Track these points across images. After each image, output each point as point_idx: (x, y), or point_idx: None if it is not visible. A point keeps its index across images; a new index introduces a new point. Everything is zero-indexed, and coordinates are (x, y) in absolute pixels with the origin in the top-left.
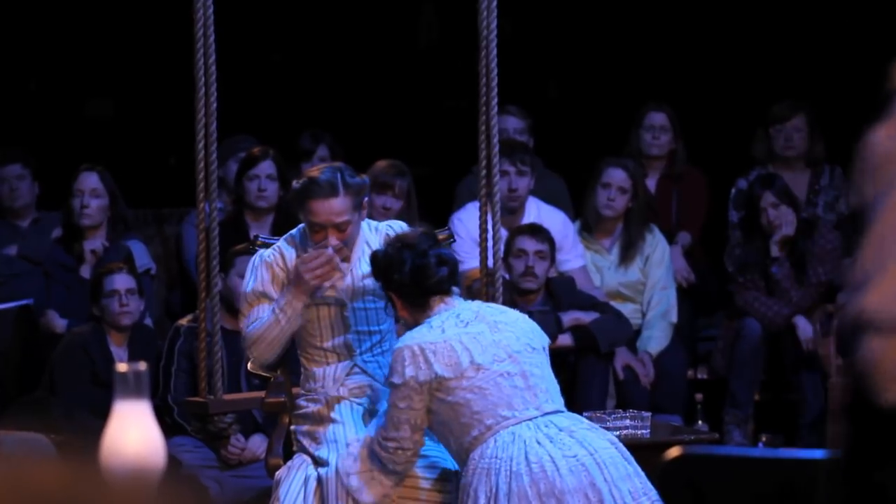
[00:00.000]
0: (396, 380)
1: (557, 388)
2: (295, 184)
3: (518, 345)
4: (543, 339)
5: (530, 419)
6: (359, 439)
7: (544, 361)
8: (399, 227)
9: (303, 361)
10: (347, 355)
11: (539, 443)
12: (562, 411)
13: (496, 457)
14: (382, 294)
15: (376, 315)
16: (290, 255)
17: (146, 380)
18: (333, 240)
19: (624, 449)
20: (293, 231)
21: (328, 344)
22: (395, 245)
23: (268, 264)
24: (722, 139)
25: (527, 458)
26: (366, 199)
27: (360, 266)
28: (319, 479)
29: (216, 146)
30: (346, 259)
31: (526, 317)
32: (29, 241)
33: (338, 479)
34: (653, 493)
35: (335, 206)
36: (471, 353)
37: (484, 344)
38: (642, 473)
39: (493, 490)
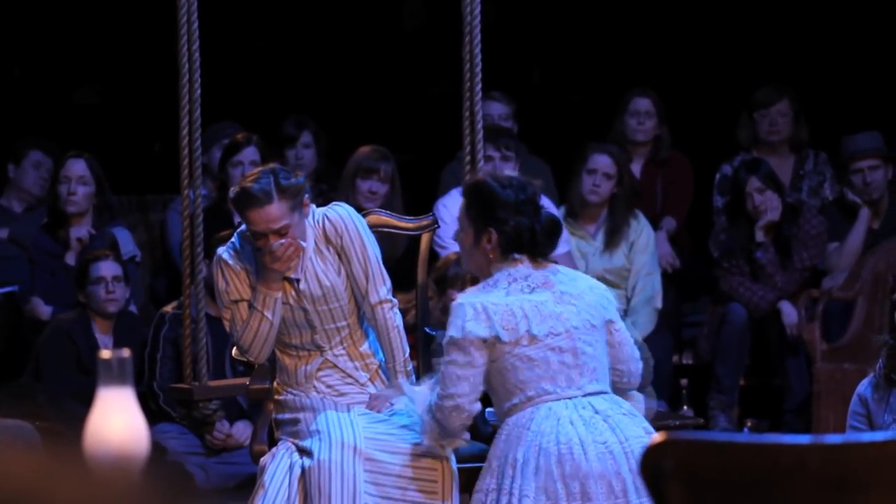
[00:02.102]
0: (455, 333)
1: (607, 367)
2: (231, 193)
3: (578, 320)
4: (606, 313)
5: (570, 398)
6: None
7: (600, 339)
8: (339, 208)
9: (277, 353)
10: (318, 352)
11: (572, 423)
12: (605, 392)
13: (529, 429)
14: (342, 290)
15: (341, 311)
16: (247, 248)
17: (130, 366)
18: (276, 244)
19: None
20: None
21: (297, 342)
22: (529, 191)
23: (227, 265)
24: (706, 124)
25: (557, 437)
26: (306, 196)
27: (315, 265)
28: (303, 469)
29: (200, 133)
30: (297, 253)
31: (595, 286)
32: (20, 226)
33: (320, 471)
34: None
35: (271, 213)
36: (529, 322)
37: (544, 314)
38: None
39: (521, 462)
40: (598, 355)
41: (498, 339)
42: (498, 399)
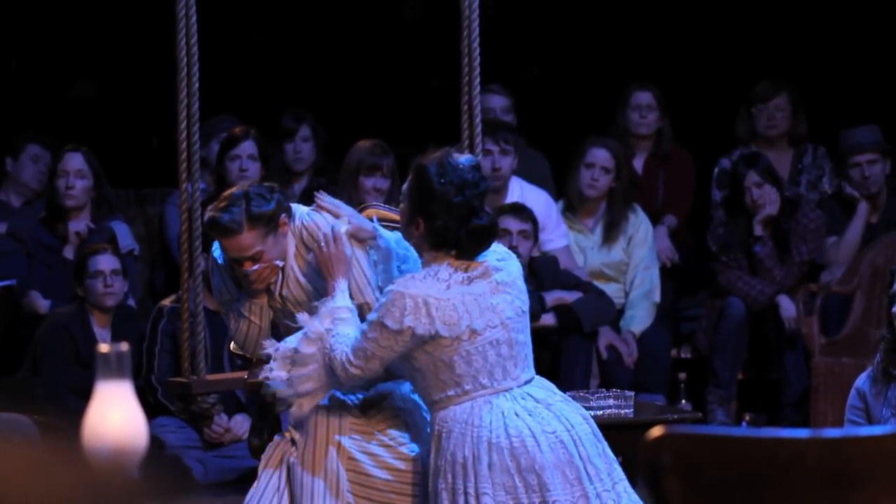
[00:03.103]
0: (391, 324)
1: (531, 351)
2: (205, 217)
3: (511, 310)
4: (528, 299)
5: (507, 390)
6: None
7: (527, 324)
8: (318, 215)
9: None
10: None
11: (517, 415)
12: (534, 378)
13: (473, 424)
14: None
15: None
16: None
17: (128, 360)
18: (250, 269)
19: (595, 426)
20: None
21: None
22: (468, 194)
23: (218, 265)
24: (704, 119)
25: (507, 430)
26: (283, 216)
27: (296, 271)
28: (289, 465)
29: (198, 126)
30: (273, 273)
31: (520, 267)
32: (18, 220)
33: (303, 468)
34: (616, 473)
35: (242, 243)
36: (470, 317)
37: (482, 307)
38: (609, 453)
39: (471, 459)
40: (527, 341)
41: (438, 334)
42: (427, 385)
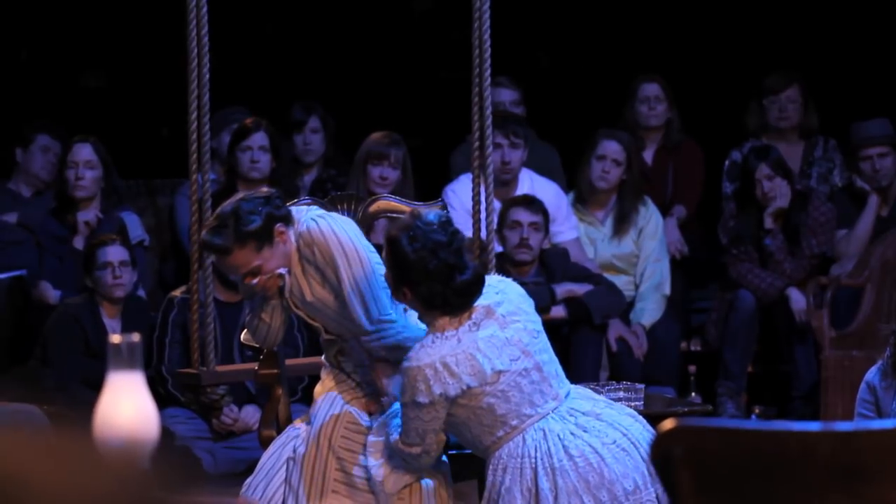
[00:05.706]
0: (423, 399)
1: (559, 364)
2: (201, 234)
3: (527, 335)
4: (535, 310)
5: (552, 411)
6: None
7: (546, 339)
8: (322, 221)
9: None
10: (336, 342)
11: (573, 434)
12: (570, 389)
13: (530, 455)
14: (332, 300)
15: (337, 316)
16: None
17: (140, 351)
18: (252, 282)
19: (645, 422)
20: None
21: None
22: (442, 255)
23: None
24: (715, 111)
25: (567, 452)
26: (278, 226)
27: (296, 278)
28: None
29: (209, 117)
30: (277, 281)
31: (519, 289)
32: (29, 210)
33: (294, 465)
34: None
35: (236, 262)
36: (491, 360)
37: (498, 345)
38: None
39: (533, 489)
40: (552, 357)
41: (469, 387)
42: (473, 435)
